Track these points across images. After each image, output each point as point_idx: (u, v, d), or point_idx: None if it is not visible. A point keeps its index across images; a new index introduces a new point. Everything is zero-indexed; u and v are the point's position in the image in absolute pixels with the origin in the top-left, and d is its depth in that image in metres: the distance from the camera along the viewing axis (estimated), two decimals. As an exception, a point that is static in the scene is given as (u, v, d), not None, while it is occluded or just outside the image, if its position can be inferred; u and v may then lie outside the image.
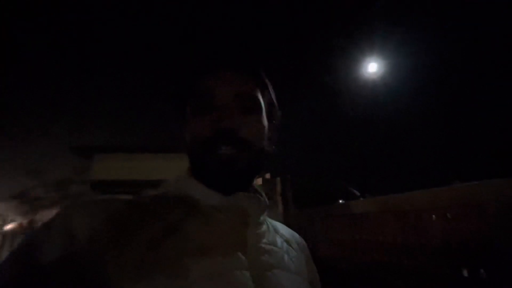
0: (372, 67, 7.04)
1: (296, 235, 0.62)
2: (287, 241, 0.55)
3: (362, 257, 2.11)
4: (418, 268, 1.28)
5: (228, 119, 0.45)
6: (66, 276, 0.32)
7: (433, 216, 1.17)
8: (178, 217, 0.42)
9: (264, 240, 0.48)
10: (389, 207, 1.51)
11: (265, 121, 0.53)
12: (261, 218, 0.51)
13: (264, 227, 0.52)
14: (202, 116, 0.48)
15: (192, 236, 0.40)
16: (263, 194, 0.52)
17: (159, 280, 0.34)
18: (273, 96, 0.57)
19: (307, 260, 0.57)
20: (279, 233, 0.56)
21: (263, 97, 0.54)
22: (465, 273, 1.03)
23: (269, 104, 0.56)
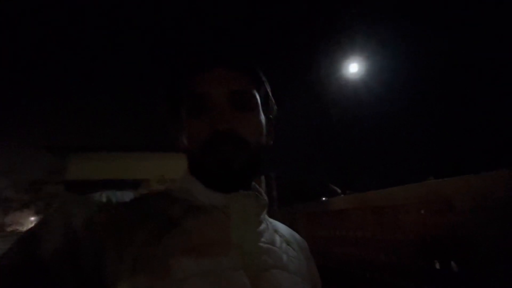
0: (353, 68, 7.19)
1: (297, 235, 0.62)
2: (286, 241, 0.55)
3: (342, 252, 2.16)
4: (395, 262, 1.32)
5: (225, 119, 0.45)
6: (63, 268, 0.33)
7: (408, 211, 1.21)
8: (178, 214, 0.42)
9: (263, 239, 0.48)
10: (368, 204, 1.55)
11: (262, 118, 0.53)
12: (260, 217, 0.51)
13: (263, 226, 0.51)
14: (198, 117, 0.47)
15: (190, 233, 0.40)
16: (263, 193, 0.51)
17: (156, 274, 0.34)
18: (269, 90, 0.57)
19: (308, 261, 0.57)
20: (278, 232, 0.55)
21: (259, 93, 0.53)
22: (437, 265, 1.06)
23: (266, 99, 0.56)
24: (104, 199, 0.40)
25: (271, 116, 0.57)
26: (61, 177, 3.57)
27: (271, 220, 0.58)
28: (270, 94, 0.58)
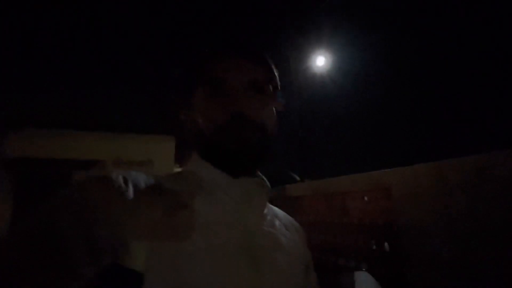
0: (320, 61, 7.38)
1: (293, 220, 0.67)
2: (285, 225, 0.59)
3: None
4: (339, 243, 1.45)
5: (245, 104, 0.47)
6: (80, 243, 0.34)
7: (354, 198, 1.32)
8: (187, 196, 0.45)
9: (265, 223, 0.52)
10: (320, 190, 1.66)
11: (273, 109, 0.56)
12: (263, 202, 0.54)
13: (265, 210, 0.55)
14: (217, 99, 0.49)
15: (199, 213, 0.43)
16: (266, 180, 0.54)
17: (168, 244, 0.37)
18: (279, 85, 0.60)
19: (303, 243, 0.62)
20: (278, 217, 0.60)
21: (271, 85, 0.57)
22: (373, 246, 1.19)
23: (275, 92, 0.59)
24: (121, 179, 0.42)
25: (278, 109, 0.61)
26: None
27: (271, 205, 0.63)
28: (279, 88, 0.61)
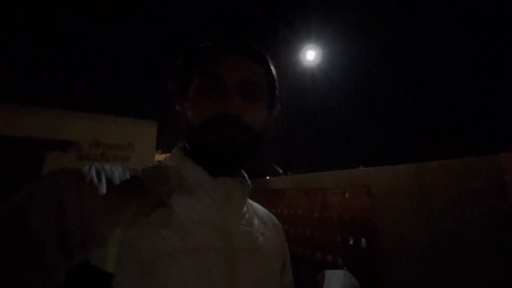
0: (310, 55, 7.37)
1: (273, 217, 0.66)
2: (264, 223, 0.58)
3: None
4: (318, 238, 1.47)
5: (233, 105, 0.46)
6: (51, 240, 0.33)
7: (335, 194, 1.33)
8: (166, 193, 0.44)
9: (243, 222, 0.51)
10: (302, 185, 1.67)
11: (266, 111, 0.54)
12: (243, 201, 0.53)
13: (244, 209, 0.53)
14: (208, 96, 0.48)
15: (176, 212, 0.42)
16: (247, 178, 0.54)
17: (143, 248, 0.37)
18: (277, 84, 0.58)
19: (280, 240, 0.62)
20: (257, 214, 0.58)
21: (268, 85, 0.55)
22: (351, 241, 1.22)
23: (272, 93, 0.57)
24: (93, 173, 0.40)
25: (273, 112, 0.59)
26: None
27: (251, 202, 0.62)
28: (278, 89, 0.59)
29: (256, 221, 0.59)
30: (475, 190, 0.78)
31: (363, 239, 1.17)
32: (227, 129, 0.49)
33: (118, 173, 0.45)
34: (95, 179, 0.40)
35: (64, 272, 0.34)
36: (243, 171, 0.59)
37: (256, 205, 0.66)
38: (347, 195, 1.27)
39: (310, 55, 7.29)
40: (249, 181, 0.56)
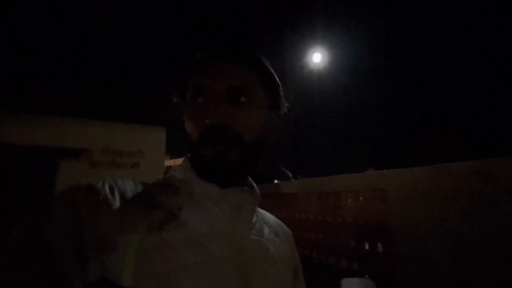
0: (317, 57, 7.36)
1: (283, 224, 0.64)
2: (274, 232, 0.57)
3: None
4: (331, 242, 1.43)
5: (219, 114, 0.45)
6: (67, 254, 0.33)
7: (349, 198, 1.30)
8: (177, 206, 0.44)
9: (253, 232, 0.49)
10: (313, 189, 1.64)
11: (261, 114, 0.52)
12: (252, 210, 0.52)
13: (254, 218, 0.52)
14: (196, 108, 0.48)
15: (188, 226, 0.42)
16: (255, 186, 0.52)
17: (156, 258, 0.37)
18: (277, 85, 0.56)
19: (291, 248, 0.60)
20: (267, 223, 0.57)
21: (262, 87, 0.52)
22: (367, 246, 1.18)
23: (272, 94, 0.54)
24: (107, 188, 0.41)
25: (278, 112, 0.57)
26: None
27: (261, 211, 0.60)
28: (280, 89, 0.57)
29: (266, 230, 0.57)
30: (497, 193, 0.75)
31: (379, 244, 1.14)
32: (217, 142, 0.47)
33: (130, 187, 0.45)
34: (109, 195, 0.41)
35: (81, 285, 0.34)
36: (250, 179, 0.57)
37: (265, 213, 0.64)
38: (361, 199, 1.24)
39: (317, 57, 7.27)
40: (257, 190, 0.55)
